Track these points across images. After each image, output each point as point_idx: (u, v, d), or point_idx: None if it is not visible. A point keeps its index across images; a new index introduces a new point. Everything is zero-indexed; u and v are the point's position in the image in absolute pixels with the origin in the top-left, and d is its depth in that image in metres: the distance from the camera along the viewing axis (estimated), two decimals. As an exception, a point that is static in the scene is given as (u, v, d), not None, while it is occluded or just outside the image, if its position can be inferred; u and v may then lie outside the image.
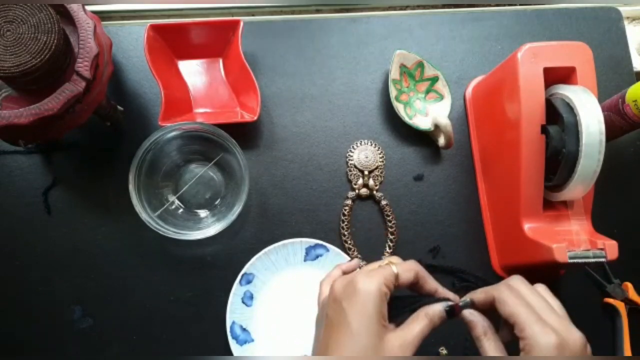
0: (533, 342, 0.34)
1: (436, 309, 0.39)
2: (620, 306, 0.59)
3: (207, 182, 0.61)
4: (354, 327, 0.36)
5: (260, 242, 0.60)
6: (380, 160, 0.63)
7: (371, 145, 0.64)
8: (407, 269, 0.40)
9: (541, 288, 0.39)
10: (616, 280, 0.60)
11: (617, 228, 0.60)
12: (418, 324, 0.38)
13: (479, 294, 0.40)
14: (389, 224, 0.61)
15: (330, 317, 0.39)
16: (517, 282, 0.39)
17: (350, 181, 0.63)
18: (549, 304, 0.37)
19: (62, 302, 0.58)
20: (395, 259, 0.43)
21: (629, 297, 0.59)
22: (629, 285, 0.60)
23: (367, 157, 0.62)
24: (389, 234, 0.61)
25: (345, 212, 0.61)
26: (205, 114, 0.64)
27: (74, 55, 0.49)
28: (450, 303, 0.39)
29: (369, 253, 0.61)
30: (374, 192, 0.62)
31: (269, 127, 0.64)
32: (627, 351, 0.57)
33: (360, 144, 0.64)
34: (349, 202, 0.62)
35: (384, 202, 0.62)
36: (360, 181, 0.62)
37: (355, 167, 0.62)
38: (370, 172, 0.63)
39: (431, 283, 0.41)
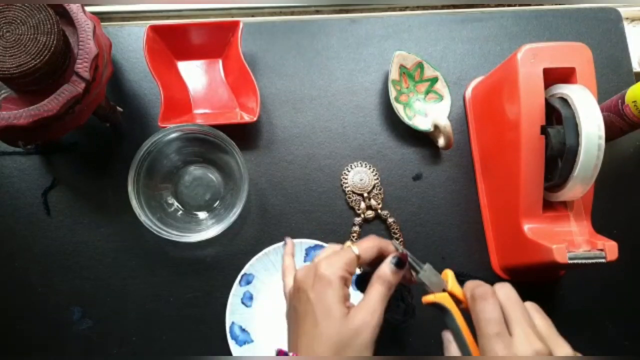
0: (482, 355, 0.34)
1: (384, 268, 0.39)
2: (445, 300, 0.39)
3: (206, 184, 0.61)
4: (318, 317, 0.37)
5: (259, 243, 0.60)
6: (375, 178, 0.63)
7: (362, 166, 0.63)
8: (367, 248, 0.41)
9: (530, 305, 0.37)
10: (425, 264, 0.41)
11: (617, 228, 0.60)
12: (374, 291, 0.38)
13: (464, 289, 0.39)
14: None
15: (296, 308, 0.40)
16: (505, 288, 0.37)
17: (352, 208, 0.62)
18: (528, 318, 0.35)
19: (62, 303, 0.58)
20: (357, 243, 0.43)
21: (449, 290, 0.40)
22: (448, 274, 0.41)
23: (361, 180, 0.62)
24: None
25: (354, 239, 0.61)
26: (205, 114, 0.64)
27: (74, 56, 0.49)
28: (395, 254, 0.40)
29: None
30: (379, 210, 0.62)
31: (268, 128, 0.64)
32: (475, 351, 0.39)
33: (351, 168, 0.63)
34: (356, 228, 0.61)
35: (390, 220, 0.61)
36: (363, 205, 0.62)
37: (354, 192, 0.62)
38: (369, 192, 0.62)
39: (391, 248, 0.42)
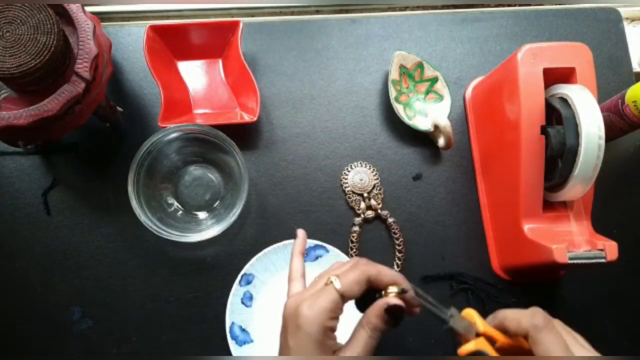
0: None
1: (373, 313, 0.36)
2: (484, 345, 0.36)
3: (206, 184, 0.61)
4: None
5: (259, 243, 0.60)
6: (375, 178, 0.63)
7: (362, 166, 0.63)
8: (352, 282, 0.36)
9: (580, 338, 0.37)
10: (450, 309, 0.37)
11: (617, 228, 0.60)
12: (360, 339, 0.36)
13: (508, 321, 0.35)
14: (397, 242, 0.61)
15: (281, 345, 0.38)
16: (558, 326, 0.36)
17: (352, 208, 0.62)
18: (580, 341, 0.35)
19: (62, 303, 0.58)
20: (339, 268, 0.39)
21: (483, 332, 0.36)
22: (473, 315, 0.37)
23: (361, 180, 0.62)
24: (397, 252, 0.61)
25: (354, 239, 0.61)
26: (205, 114, 0.64)
27: (74, 56, 0.49)
28: (392, 302, 0.35)
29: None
30: (379, 211, 0.62)
31: (268, 128, 0.64)
32: None
33: (351, 168, 0.63)
34: (356, 228, 0.61)
35: (390, 220, 0.61)
36: (363, 205, 0.62)
37: (354, 192, 0.62)
38: (369, 192, 0.62)
39: (387, 277, 0.37)
